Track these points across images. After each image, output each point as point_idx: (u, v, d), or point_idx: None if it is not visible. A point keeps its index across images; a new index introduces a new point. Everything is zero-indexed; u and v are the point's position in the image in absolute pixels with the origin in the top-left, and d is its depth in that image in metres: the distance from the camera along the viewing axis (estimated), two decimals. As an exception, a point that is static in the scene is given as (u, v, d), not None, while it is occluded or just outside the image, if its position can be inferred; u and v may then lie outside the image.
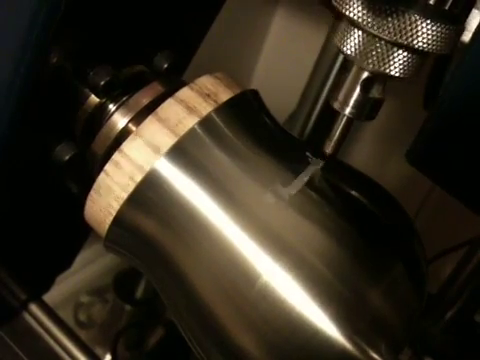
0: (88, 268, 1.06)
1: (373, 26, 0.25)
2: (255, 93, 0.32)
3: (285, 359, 0.28)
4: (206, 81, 0.30)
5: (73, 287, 0.96)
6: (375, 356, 0.27)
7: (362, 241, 0.28)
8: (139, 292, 1.05)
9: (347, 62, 0.28)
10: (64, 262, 0.50)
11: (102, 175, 0.29)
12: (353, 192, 0.30)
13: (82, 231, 0.46)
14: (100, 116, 0.32)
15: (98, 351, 0.86)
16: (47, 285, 0.51)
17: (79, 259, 1.12)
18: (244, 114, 0.30)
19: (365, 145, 0.85)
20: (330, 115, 0.30)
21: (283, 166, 0.29)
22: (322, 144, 0.30)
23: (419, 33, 0.26)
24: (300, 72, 0.70)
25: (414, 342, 0.79)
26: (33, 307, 0.52)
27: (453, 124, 0.27)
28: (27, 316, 0.52)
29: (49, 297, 0.57)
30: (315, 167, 0.29)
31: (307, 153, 0.30)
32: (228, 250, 0.28)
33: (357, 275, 0.27)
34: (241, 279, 0.27)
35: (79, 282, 1.02)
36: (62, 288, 0.92)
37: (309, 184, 0.28)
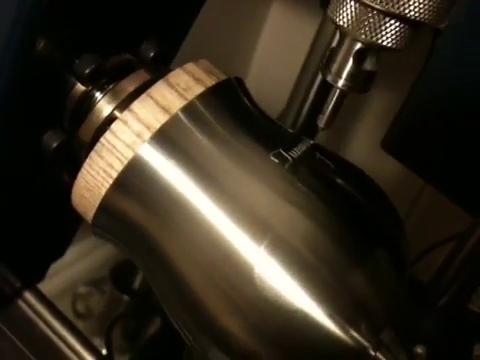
0: (86, 259, 1.06)
1: None
2: (239, 80, 0.33)
3: (268, 339, 0.28)
4: (193, 66, 0.31)
5: (71, 278, 0.96)
6: (355, 335, 0.28)
7: (344, 226, 0.28)
8: (136, 283, 1.04)
9: (340, 35, 0.28)
10: (57, 251, 0.50)
11: (88, 161, 0.29)
12: (337, 178, 0.30)
13: (74, 220, 0.46)
14: (87, 104, 0.32)
15: (96, 341, 0.86)
16: (41, 274, 0.51)
17: (76, 251, 1.12)
18: (228, 100, 0.31)
19: (361, 143, 0.86)
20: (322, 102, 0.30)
21: (266, 151, 0.29)
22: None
23: (411, 2, 0.26)
24: (297, 63, 0.70)
25: (406, 330, 0.80)
26: (28, 295, 0.52)
27: (425, 112, 0.28)
28: (22, 304, 0.52)
29: (47, 288, 0.57)
30: (298, 152, 0.30)
31: (291, 139, 0.30)
32: (211, 234, 0.28)
33: (337, 258, 0.28)
34: (224, 263, 0.28)
35: (77, 273, 1.02)
36: (60, 279, 0.92)
37: (292, 168, 0.29)
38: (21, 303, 0.53)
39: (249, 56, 1.00)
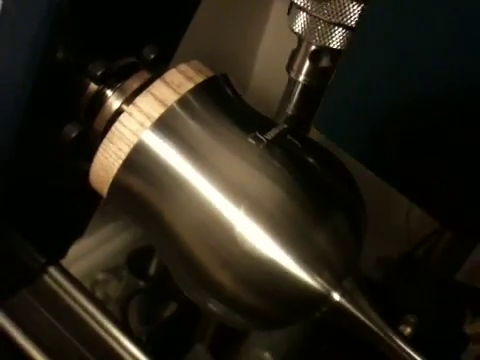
0: (103, 248, 1.11)
1: (313, 9, 0.32)
2: (225, 76, 0.39)
3: (252, 286, 0.34)
4: (185, 67, 0.37)
5: (89, 266, 1.01)
6: (320, 281, 0.34)
7: (308, 193, 0.34)
8: (152, 269, 1.10)
9: (298, 39, 0.34)
10: (77, 230, 0.56)
11: (102, 146, 0.36)
12: (304, 155, 0.36)
13: (90, 203, 0.53)
14: (99, 100, 0.38)
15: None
16: (63, 251, 0.57)
17: (94, 239, 1.17)
18: (214, 93, 0.37)
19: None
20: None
21: (245, 134, 0.36)
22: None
23: (348, 13, 0.32)
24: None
25: (394, 299, 0.85)
26: (52, 270, 0.56)
27: (350, 93, 0.33)
28: (47, 278, 0.57)
29: (67, 275, 0.62)
30: (272, 135, 0.36)
31: (267, 124, 0.37)
32: (200, 201, 0.34)
33: (303, 218, 0.34)
34: (212, 224, 0.34)
35: (95, 261, 1.07)
36: (79, 267, 0.97)
37: (266, 148, 0.35)
38: (45, 277, 0.57)
39: (253, 52, 1.04)
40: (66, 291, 0.57)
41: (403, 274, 0.87)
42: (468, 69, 0.29)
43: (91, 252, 1.08)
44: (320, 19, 0.31)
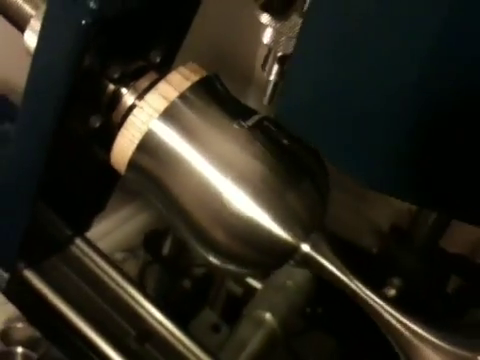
0: (121, 229, 1.19)
1: (277, 26, 0.41)
2: (216, 75, 0.48)
3: (240, 239, 0.43)
4: (184, 68, 0.47)
5: (108, 246, 1.05)
6: (291, 233, 0.42)
7: (282, 165, 0.43)
8: (166, 249, 1.18)
9: (268, 47, 0.43)
10: (99, 206, 0.63)
11: (120, 133, 0.46)
12: (278, 137, 0.45)
13: (111, 180, 0.59)
14: (116, 97, 0.45)
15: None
16: (88, 224, 0.64)
17: (112, 222, 1.23)
18: (208, 90, 0.45)
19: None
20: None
21: (231, 121, 0.44)
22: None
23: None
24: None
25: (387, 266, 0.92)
26: (78, 240, 0.62)
27: (305, 80, 0.38)
28: (73, 248, 0.62)
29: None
30: (252, 122, 0.45)
31: (249, 113, 0.46)
32: (197, 173, 0.43)
33: (277, 184, 0.42)
34: (206, 192, 0.43)
35: (113, 241, 1.15)
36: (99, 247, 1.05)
37: (247, 131, 0.44)
38: (73, 247, 0.62)
39: (256, 44, 1.08)
40: (90, 258, 0.63)
41: (393, 242, 0.94)
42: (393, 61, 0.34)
43: (109, 233, 1.16)
44: (282, 33, 0.40)
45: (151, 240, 1.22)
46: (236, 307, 0.90)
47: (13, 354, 0.88)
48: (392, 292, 0.85)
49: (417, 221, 0.89)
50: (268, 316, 0.79)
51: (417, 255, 0.89)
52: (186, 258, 1.20)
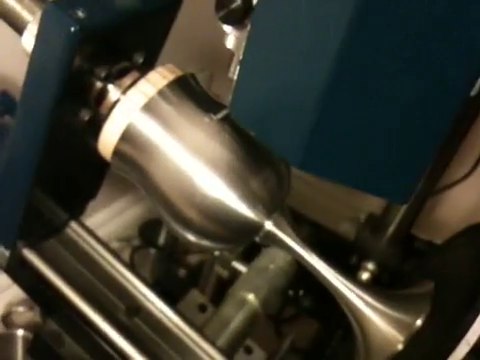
0: (117, 219, 1.21)
1: (237, 34, 0.45)
2: (192, 75, 0.54)
3: (211, 217, 0.48)
4: (162, 69, 0.53)
5: (105, 235, 0.97)
6: (256, 212, 0.48)
7: (247, 153, 0.49)
8: (161, 238, 1.20)
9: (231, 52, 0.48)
10: (91, 192, 0.68)
11: (106, 124, 0.51)
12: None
13: (101, 169, 0.64)
14: (104, 93, 0.50)
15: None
16: (81, 209, 0.68)
17: (109, 212, 1.25)
18: (183, 87, 0.51)
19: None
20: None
21: (203, 114, 0.50)
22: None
23: None
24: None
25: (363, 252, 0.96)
26: (73, 224, 0.66)
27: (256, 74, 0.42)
28: (69, 230, 0.66)
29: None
30: (221, 115, 0.51)
31: (219, 107, 0.51)
32: (173, 158, 0.48)
33: (242, 169, 0.48)
34: (181, 175, 0.48)
35: (110, 231, 1.17)
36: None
37: (216, 123, 0.49)
38: (69, 230, 0.66)
39: None
40: (84, 240, 0.67)
41: (368, 230, 0.99)
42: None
43: (106, 223, 1.17)
44: (242, 39, 0.44)
45: (147, 229, 1.23)
46: (224, 290, 0.92)
47: (14, 336, 0.91)
48: (366, 276, 0.89)
49: (390, 209, 0.93)
50: (251, 297, 0.82)
51: (390, 241, 0.93)
52: (180, 247, 1.24)
